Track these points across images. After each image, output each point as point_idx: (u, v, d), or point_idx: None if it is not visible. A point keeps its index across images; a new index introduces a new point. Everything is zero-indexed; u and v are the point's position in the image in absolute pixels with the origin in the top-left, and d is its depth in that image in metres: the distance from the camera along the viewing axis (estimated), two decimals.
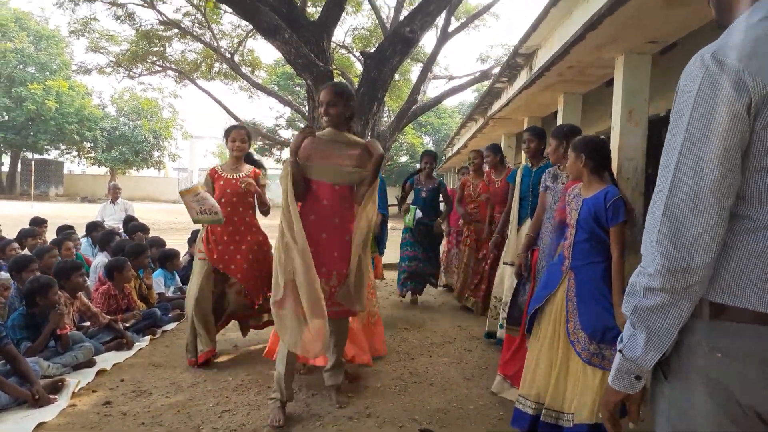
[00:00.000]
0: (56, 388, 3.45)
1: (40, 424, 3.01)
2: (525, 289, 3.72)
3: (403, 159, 34.75)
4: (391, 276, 8.42)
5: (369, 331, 4.17)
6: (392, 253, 7.17)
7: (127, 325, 4.70)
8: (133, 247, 5.43)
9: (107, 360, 4.10)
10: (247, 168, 4.20)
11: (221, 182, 4.09)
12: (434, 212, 6.32)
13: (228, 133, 4.17)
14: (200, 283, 4.02)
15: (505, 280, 4.41)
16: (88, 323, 4.57)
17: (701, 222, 1.07)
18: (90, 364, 3.95)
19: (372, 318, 4.25)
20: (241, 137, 4.11)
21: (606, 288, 2.79)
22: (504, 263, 4.56)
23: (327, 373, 3.44)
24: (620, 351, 1.19)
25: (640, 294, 1.14)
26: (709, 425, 1.11)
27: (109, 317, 4.55)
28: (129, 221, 7.59)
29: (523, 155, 4.97)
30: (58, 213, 18.25)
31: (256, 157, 4.55)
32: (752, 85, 1.04)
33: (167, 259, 6.04)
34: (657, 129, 9.41)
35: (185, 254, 6.89)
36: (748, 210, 1.09)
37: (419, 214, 6.18)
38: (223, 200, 3.99)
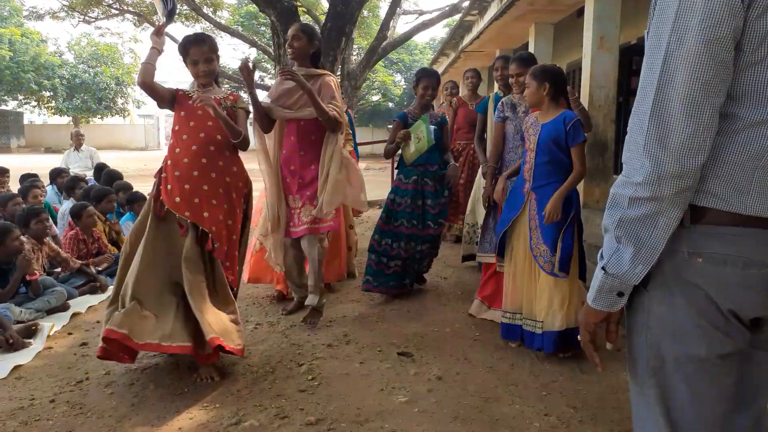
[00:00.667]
0: (30, 332, 3.42)
1: (16, 367, 2.99)
2: (494, 218, 3.75)
3: (375, 98, 34.27)
4: (371, 213, 8.45)
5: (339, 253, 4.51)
6: (371, 192, 7.17)
7: (100, 268, 4.65)
8: (97, 192, 5.30)
9: (81, 303, 4.07)
10: (222, 92, 3.12)
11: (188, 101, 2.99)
12: (440, 156, 4.20)
13: (185, 52, 3.02)
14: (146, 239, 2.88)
15: (477, 206, 4.52)
16: (59, 269, 4.51)
17: (693, 122, 0.98)
18: (64, 308, 3.92)
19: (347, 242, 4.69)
20: (205, 56, 2.98)
21: (565, 205, 3.01)
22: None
23: (309, 295, 3.61)
24: (602, 268, 1.11)
25: (625, 205, 1.06)
26: (689, 331, 1.07)
27: (80, 262, 4.49)
28: (101, 168, 7.39)
29: (495, 84, 4.91)
30: (21, 164, 17.70)
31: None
32: None
33: (135, 202, 5.92)
34: (628, 57, 9.40)
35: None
36: (735, 108, 1.01)
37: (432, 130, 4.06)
38: (185, 136, 2.94)
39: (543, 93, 3.05)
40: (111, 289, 4.34)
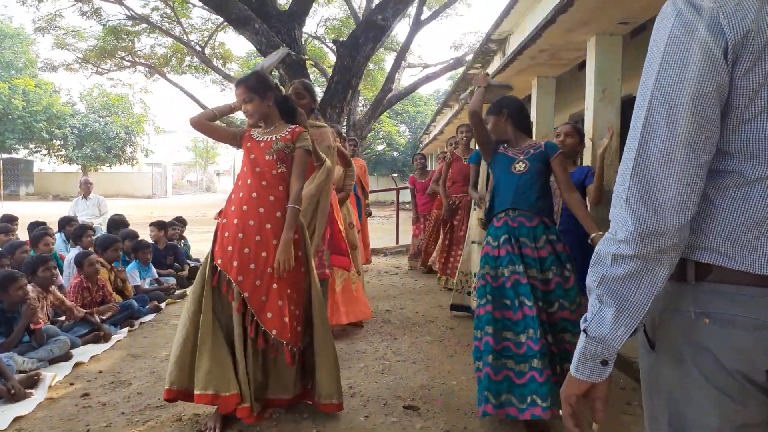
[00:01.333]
0: (32, 382, 3.38)
1: (17, 418, 2.95)
2: None
3: (380, 147, 34.74)
4: (376, 260, 8.48)
5: (350, 297, 4.54)
6: (377, 240, 7.29)
7: (104, 317, 4.63)
8: (103, 240, 5.34)
9: (84, 353, 4.03)
10: (287, 127, 3.03)
11: (248, 144, 2.99)
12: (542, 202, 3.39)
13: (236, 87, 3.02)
14: (195, 297, 2.89)
15: (473, 255, 4.54)
16: (63, 317, 4.49)
17: (676, 179, 0.95)
18: (66, 357, 3.89)
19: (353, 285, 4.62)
20: (243, 96, 2.95)
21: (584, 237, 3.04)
22: (472, 242, 4.70)
23: None
24: (584, 331, 1.05)
25: (608, 263, 1.01)
26: (700, 400, 1.01)
27: (85, 310, 4.48)
28: (114, 217, 7.42)
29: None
30: (29, 212, 17.87)
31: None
32: (728, 27, 0.93)
33: (139, 250, 5.96)
34: (629, 108, 9.55)
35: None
36: (734, 165, 0.98)
37: None
38: (246, 169, 2.94)
39: (502, 121, 3.09)
40: (115, 339, 4.36)
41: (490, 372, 2.69)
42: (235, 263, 2.79)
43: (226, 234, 2.85)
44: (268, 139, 2.96)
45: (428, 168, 7.81)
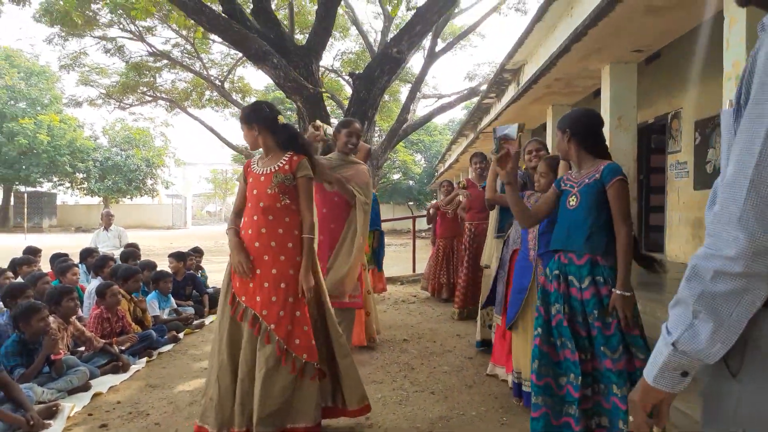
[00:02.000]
0: (51, 413, 3.39)
1: None
2: (502, 280, 3.90)
3: (396, 176, 34.93)
4: (393, 289, 8.46)
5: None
6: (393, 268, 7.31)
7: (123, 348, 4.65)
8: (123, 271, 5.40)
9: (103, 383, 4.04)
10: (284, 155, 3.03)
11: (250, 179, 3.06)
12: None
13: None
14: (221, 336, 2.95)
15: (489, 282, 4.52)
16: (83, 348, 4.52)
17: None
18: (85, 388, 3.90)
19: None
20: (241, 127, 3.09)
21: None
22: (483, 266, 4.72)
23: None
24: (672, 344, 1.03)
25: (707, 279, 1.00)
26: None
27: (104, 341, 4.51)
28: (128, 247, 7.55)
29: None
30: (52, 243, 18.15)
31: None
32: None
33: (160, 280, 6.01)
34: (647, 136, 9.53)
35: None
36: None
37: None
38: (250, 205, 3.00)
39: (545, 171, 3.35)
40: (133, 369, 4.38)
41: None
42: (258, 298, 2.88)
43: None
44: (268, 171, 2.99)
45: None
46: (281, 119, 3.06)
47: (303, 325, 2.90)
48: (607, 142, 6.45)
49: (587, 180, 2.65)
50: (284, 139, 3.05)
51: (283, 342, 2.82)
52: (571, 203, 2.68)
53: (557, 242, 2.75)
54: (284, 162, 2.99)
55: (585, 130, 2.73)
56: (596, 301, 2.57)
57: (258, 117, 3.03)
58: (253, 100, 24.85)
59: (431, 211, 8.02)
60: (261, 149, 3.13)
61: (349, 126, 4.13)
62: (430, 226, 8.41)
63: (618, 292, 2.50)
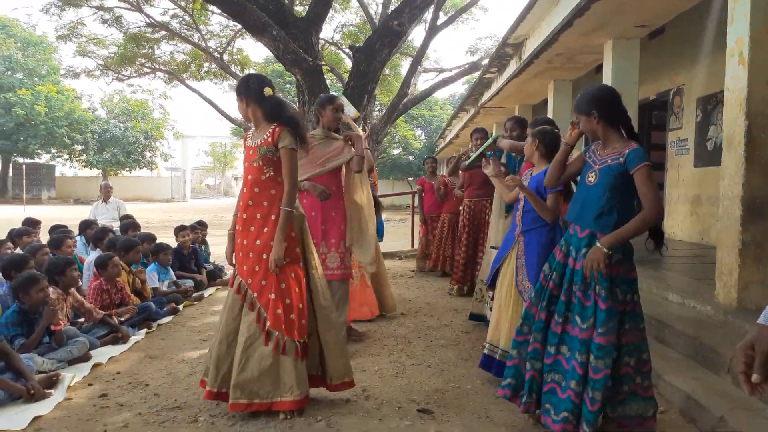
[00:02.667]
0: (51, 382, 3.43)
1: (36, 418, 2.99)
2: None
3: (396, 152, 34.81)
4: (391, 264, 8.50)
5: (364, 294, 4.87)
6: (392, 243, 7.37)
7: (122, 319, 4.68)
8: (123, 243, 5.41)
9: (103, 354, 4.08)
10: (269, 128, 3.06)
11: (243, 153, 3.22)
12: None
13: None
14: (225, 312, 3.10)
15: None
16: (82, 319, 4.56)
17: None
18: (85, 358, 3.94)
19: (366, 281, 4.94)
20: (237, 101, 3.17)
21: (549, 247, 3.19)
22: (490, 247, 4.67)
23: None
24: None
25: None
26: None
27: (103, 312, 4.54)
28: (124, 219, 7.57)
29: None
30: (51, 215, 18.17)
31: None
32: None
33: (159, 253, 6.03)
34: (648, 112, 9.48)
35: (174, 246, 6.89)
36: None
37: None
38: (242, 179, 3.15)
39: (534, 149, 3.47)
40: (133, 340, 4.42)
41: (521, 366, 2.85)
42: (245, 267, 3.04)
43: (238, 241, 3.09)
44: (254, 145, 3.07)
45: (438, 172, 7.91)
46: (267, 91, 3.05)
47: (286, 298, 2.95)
48: None
49: (610, 161, 2.65)
50: (270, 111, 3.06)
51: (263, 310, 2.93)
52: (590, 179, 2.72)
53: (571, 215, 2.81)
54: (268, 135, 3.02)
55: (612, 108, 2.71)
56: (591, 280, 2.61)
57: (246, 89, 3.09)
58: (252, 72, 24.66)
59: (441, 189, 7.78)
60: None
61: (334, 101, 4.14)
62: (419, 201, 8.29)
63: (599, 244, 2.58)
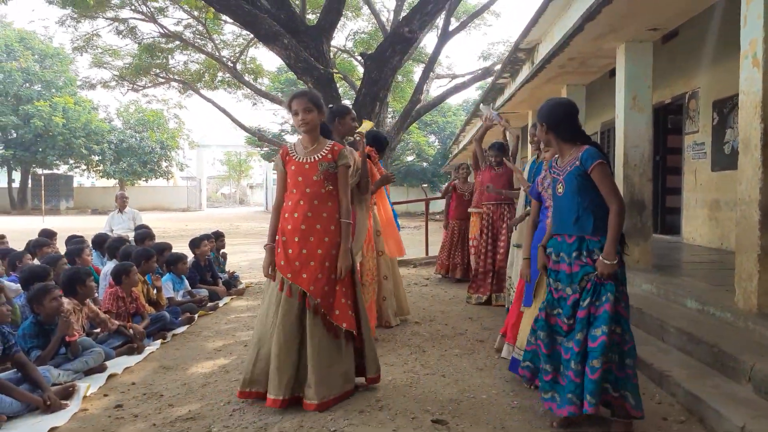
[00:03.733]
0: (67, 393, 3.45)
1: (52, 429, 3.01)
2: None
3: (410, 158, 34.81)
4: (406, 272, 8.49)
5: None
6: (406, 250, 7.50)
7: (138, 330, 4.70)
8: (140, 252, 5.45)
9: (118, 364, 4.11)
10: (326, 144, 3.35)
11: (292, 167, 3.32)
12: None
13: (289, 104, 3.35)
14: (267, 309, 3.32)
15: (515, 261, 4.60)
16: (98, 329, 4.59)
17: None
18: (101, 369, 3.96)
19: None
20: (304, 106, 3.27)
21: None
22: (513, 245, 4.83)
23: None
24: None
25: None
26: None
27: (118, 322, 4.56)
28: (139, 229, 7.64)
29: (530, 148, 4.94)
30: (69, 225, 18.40)
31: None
32: None
33: (174, 263, 6.07)
34: (663, 116, 9.38)
35: (191, 258, 6.93)
36: None
37: None
38: (294, 191, 3.29)
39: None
40: (147, 350, 4.44)
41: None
42: (304, 275, 3.22)
43: (290, 251, 3.25)
44: (312, 160, 3.29)
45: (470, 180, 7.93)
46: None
47: (342, 298, 3.29)
48: (621, 123, 6.39)
49: (569, 167, 2.88)
50: (324, 129, 3.46)
51: (327, 313, 3.23)
52: (559, 190, 2.94)
53: (554, 226, 3.01)
54: (327, 151, 3.31)
55: (559, 121, 2.93)
56: (584, 273, 2.81)
57: (324, 104, 3.40)
58: (265, 81, 24.83)
59: (449, 187, 8.05)
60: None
61: (351, 112, 4.48)
62: (443, 209, 8.43)
63: (604, 259, 2.73)
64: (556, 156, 3.03)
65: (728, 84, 7.06)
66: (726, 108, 7.40)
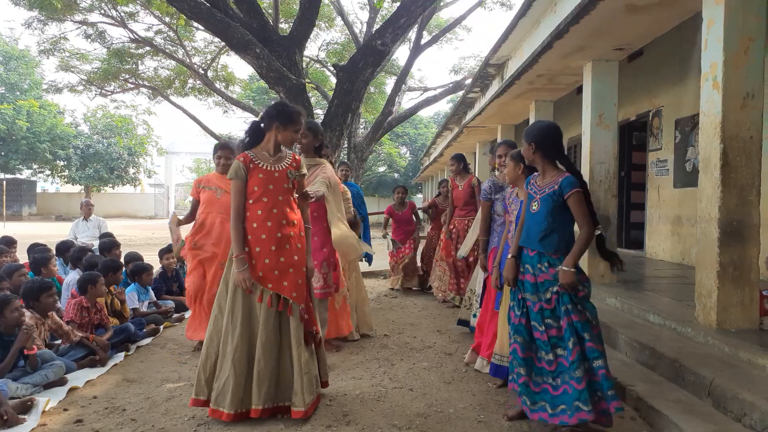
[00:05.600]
0: (25, 407, 3.35)
1: None
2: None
3: (381, 169, 34.93)
4: (375, 283, 8.48)
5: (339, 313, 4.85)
6: (375, 262, 7.55)
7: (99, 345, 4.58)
8: (107, 263, 5.34)
9: (79, 378, 4.00)
10: (288, 153, 3.44)
11: (260, 175, 3.27)
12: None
13: (295, 121, 3.40)
14: (233, 324, 3.22)
15: (479, 274, 4.75)
16: (60, 341, 4.47)
17: None
18: (61, 382, 3.86)
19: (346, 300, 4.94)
20: (303, 132, 4.01)
21: None
22: (459, 257, 5.43)
23: None
24: None
25: None
26: None
27: (81, 334, 4.45)
28: (103, 237, 7.49)
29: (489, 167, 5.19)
30: (31, 232, 17.90)
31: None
32: None
33: (139, 273, 5.95)
34: (628, 133, 9.62)
35: (159, 268, 6.82)
36: None
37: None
38: (266, 199, 3.25)
39: (518, 172, 3.65)
40: (110, 363, 4.33)
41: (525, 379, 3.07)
42: (285, 283, 3.25)
43: (266, 260, 3.23)
44: (281, 168, 3.33)
45: (406, 200, 8.25)
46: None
47: (310, 302, 3.43)
48: (588, 139, 6.53)
49: (548, 190, 3.06)
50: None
51: (308, 318, 3.34)
52: (533, 207, 3.11)
53: (522, 239, 3.18)
54: (293, 160, 3.40)
55: (549, 143, 3.11)
56: (549, 283, 3.01)
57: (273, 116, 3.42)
58: (236, 89, 24.64)
59: (430, 211, 8.21)
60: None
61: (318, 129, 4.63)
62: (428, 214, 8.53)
63: (563, 267, 2.91)
64: (536, 174, 3.21)
65: (690, 103, 7.29)
66: (687, 126, 7.63)
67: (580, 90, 7.47)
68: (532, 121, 9.21)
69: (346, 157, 15.23)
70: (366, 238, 6.41)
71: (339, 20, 19.61)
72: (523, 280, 3.13)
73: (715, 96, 3.95)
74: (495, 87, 9.51)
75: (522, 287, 3.14)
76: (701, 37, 4.17)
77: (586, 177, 6.26)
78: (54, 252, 6.27)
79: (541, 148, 3.10)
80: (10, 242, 6.67)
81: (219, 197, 4.68)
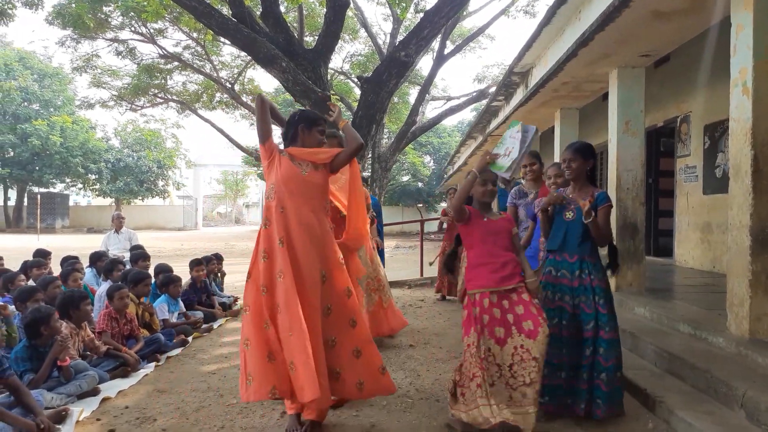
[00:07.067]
0: (60, 417, 3.44)
1: None
2: None
3: (405, 178, 34.94)
4: (401, 293, 8.47)
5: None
6: (401, 271, 7.40)
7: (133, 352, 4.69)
8: (134, 275, 5.45)
9: (112, 388, 4.09)
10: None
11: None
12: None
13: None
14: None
15: None
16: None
17: None
18: (94, 392, 3.95)
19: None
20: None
21: None
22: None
23: None
24: None
25: None
26: None
27: (107, 346, 4.55)
28: (134, 249, 7.65)
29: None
30: (64, 245, 18.35)
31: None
32: None
33: (169, 284, 6.06)
34: (656, 139, 9.48)
35: (188, 279, 6.93)
36: None
37: None
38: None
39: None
40: (141, 373, 4.42)
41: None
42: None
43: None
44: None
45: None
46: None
47: None
48: (614, 146, 6.47)
49: (583, 200, 3.35)
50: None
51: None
52: (567, 216, 3.43)
53: (554, 244, 3.46)
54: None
55: (591, 159, 3.49)
56: (584, 288, 3.32)
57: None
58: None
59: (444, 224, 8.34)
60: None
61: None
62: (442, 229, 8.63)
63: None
64: (567, 188, 3.58)
65: (719, 109, 7.16)
66: (717, 132, 7.50)
67: (605, 96, 7.41)
68: (557, 129, 9.15)
69: (370, 167, 15.29)
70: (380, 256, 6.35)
71: (363, 32, 19.79)
72: (558, 283, 3.38)
73: (745, 102, 3.89)
74: (519, 95, 9.48)
75: (553, 290, 3.39)
76: (730, 43, 4.11)
77: (613, 184, 6.21)
78: (82, 264, 6.43)
79: (591, 165, 3.49)
80: (44, 254, 6.86)
81: None
